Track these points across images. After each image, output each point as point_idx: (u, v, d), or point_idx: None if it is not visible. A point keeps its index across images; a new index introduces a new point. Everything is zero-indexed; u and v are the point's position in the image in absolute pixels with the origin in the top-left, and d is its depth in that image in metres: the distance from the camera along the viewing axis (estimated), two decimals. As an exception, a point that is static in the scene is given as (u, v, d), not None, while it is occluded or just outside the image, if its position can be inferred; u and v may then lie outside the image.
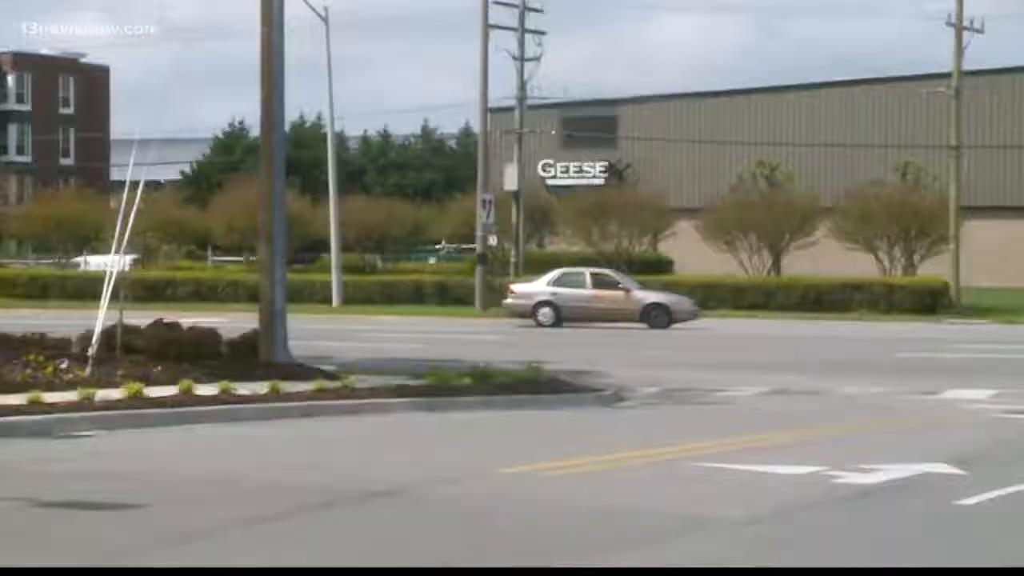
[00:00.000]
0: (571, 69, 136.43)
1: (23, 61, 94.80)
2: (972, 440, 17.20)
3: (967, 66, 55.58)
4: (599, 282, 41.55)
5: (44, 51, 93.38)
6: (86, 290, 47.59)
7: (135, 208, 22.04)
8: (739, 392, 22.98)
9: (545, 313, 40.95)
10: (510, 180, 57.45)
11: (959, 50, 54.04)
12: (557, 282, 41.62)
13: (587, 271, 43.25)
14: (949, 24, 53.90)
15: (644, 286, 42.72)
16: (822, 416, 19.89)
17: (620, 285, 41.40)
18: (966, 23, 54.00)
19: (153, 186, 61.77)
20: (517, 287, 42.66)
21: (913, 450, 16.11)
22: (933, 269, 55.19)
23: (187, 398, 18.60)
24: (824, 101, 75.87)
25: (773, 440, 17.11)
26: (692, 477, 14.02)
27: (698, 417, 19.96)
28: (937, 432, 18.30)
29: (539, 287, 41.76)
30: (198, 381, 19.56)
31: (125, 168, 24.57)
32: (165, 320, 23.59)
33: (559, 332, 39.02)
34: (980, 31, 54.58)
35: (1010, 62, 73.72)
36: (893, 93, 73.37)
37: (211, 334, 23.32)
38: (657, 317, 40.13)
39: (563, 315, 40.85)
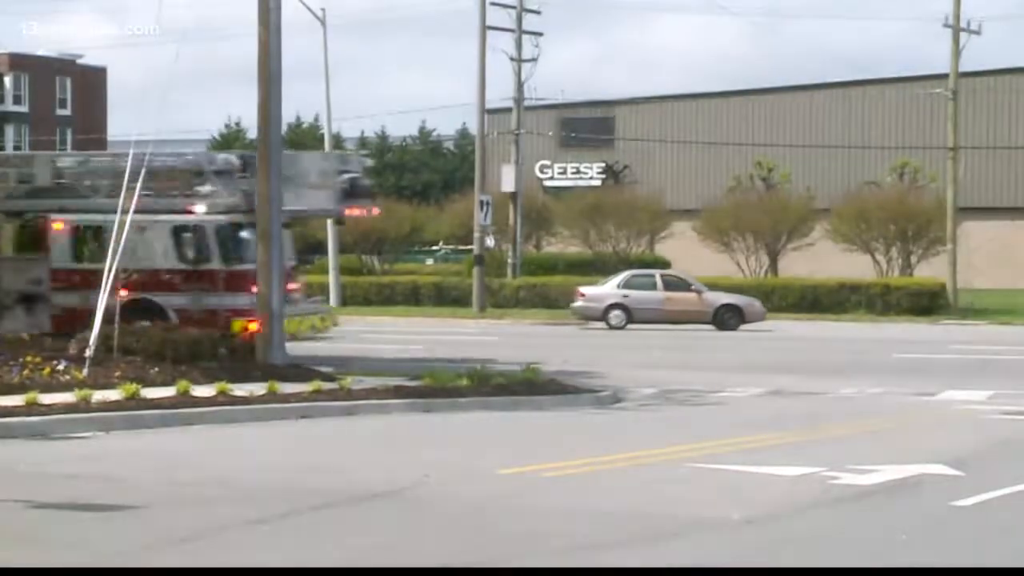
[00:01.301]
0: (569, 70, 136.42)
1: (20, 62, 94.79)
2: (969, 441, 17.22)
3: (964, 67, 55.60)
4: (670, 284, 41.60)
5: (41, 52, 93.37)
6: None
7: (132, 209, 22.06)
8: (736, 393, 23.00)
9: (617, 315, 41.03)
10: (507, 181, 57.46)
11: (956, 51, 54.07)
12: (627, 284, 41.69)
13: (656, 273, 43.41)
14: (946, 25, 53.94)
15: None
16: (819, 417, 19.91)
17: (692, 287, 41.52)
18: (963, 24, 54.05)
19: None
20: (587, 290, 42.56)
21: (910, 451, 16.12)
22: (930, 270, 55.22)
23: (184, 399, 18.61)
24: (821, 102, 75.87)
25: (770, 441, 17.12)
26: (689, 478, 14.03)
27: (695, 418, 19.98)
28: (934, 433, 18.32)
29: (609, 290, 41.79)
30: (195, 382, 19.58)
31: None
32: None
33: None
34: (977, 32, 54.62)
35: (1007, 63, 73.72)
36: (890, 94, 73.40)
37: (208, 335, 23.35)
38: (730, 319, 40.34)
39: (635, 317, 40.94)
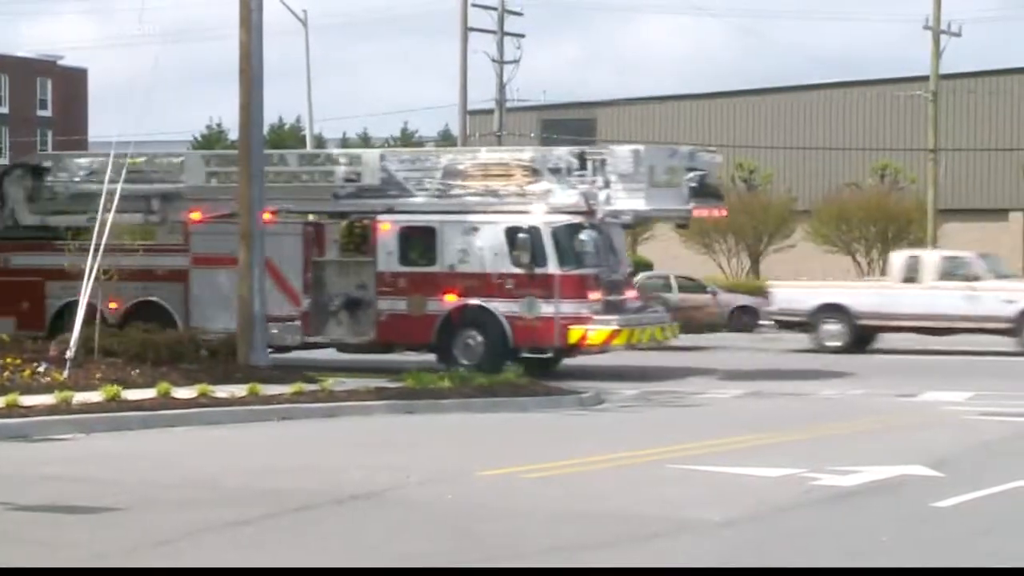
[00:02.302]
0: (551, 72, 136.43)
1: (0, 63, 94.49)
2: (949, 442, 17.26)
3: (945, 69, 55.81)
4: (684, 286, 41.54)
5: (22, 53, 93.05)
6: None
7: (112, 211, 22.01)
8: (718, 395, 23.04)
9: None
10: (489, 183, 57.40)
11: (936, 53, 54.24)
12: (642, 287, 41.71)
13: (671, 274, 43.39)
14: (927, 27, 54.11)
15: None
16: (800, 418, 19.95)
17: (707, 289, 41.57)
18: (943, 26, 54.23)
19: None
20: None
21: (890, 452, 16.16)
22: (911, 272, 55.31)
23: (165, 401, 18.58)
24: (803, 104, 76.00)
25: (751, 442, 17.15)
26: (671, 479, 14.05)
27: (677, 419, 20.01)
28: (914, 434, 18.38)
29: None
30: (176, 384, 19.55)
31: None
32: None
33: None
34: (958, 34, 54.79)
35: (987, 65, 73.96)
36: (871, 96, 73.52)
37: (190, 337, 23.31)
38: (746, 320, 40.49)
39: None
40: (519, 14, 57.43)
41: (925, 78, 56.03)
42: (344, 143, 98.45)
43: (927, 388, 24.04)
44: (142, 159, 28.21)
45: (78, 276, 25.25)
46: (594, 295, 24.20)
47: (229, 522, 11.54)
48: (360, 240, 25.50)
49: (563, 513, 12.10)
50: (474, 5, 54.69)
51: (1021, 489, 13.56)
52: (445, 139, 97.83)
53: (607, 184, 24.63)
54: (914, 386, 24.30)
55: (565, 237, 24.32)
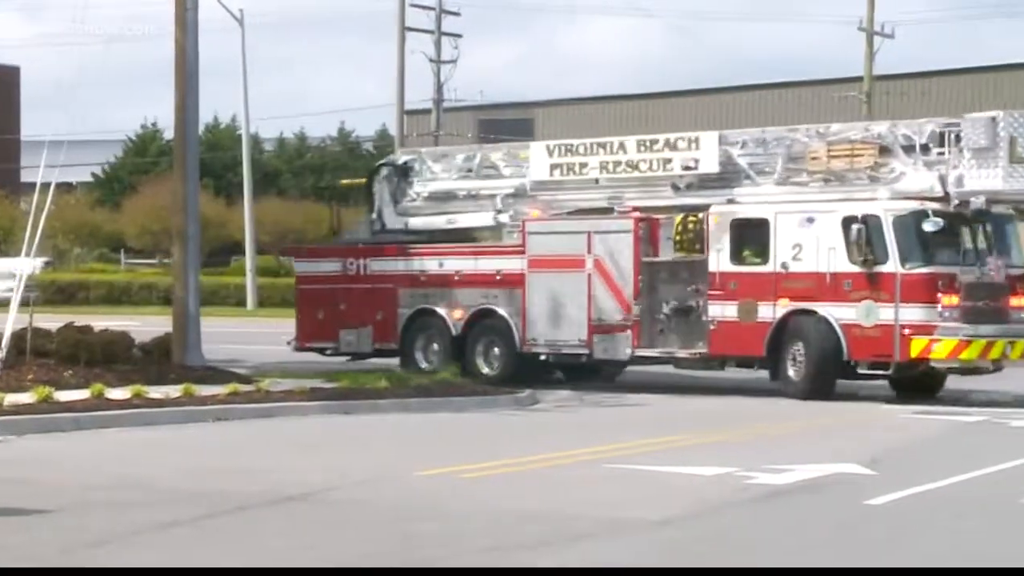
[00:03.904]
0: (489, 72, 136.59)
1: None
2: (884, 440, 17.43)
3: (878, 70, 56.36)
4: None
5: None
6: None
7: (46, 210, 21.79)
8: (654, 394, 23.10)
9: None
10: (426, 182, 57.33)
11: (870, 54, 54.79)
12: None
13: None
14: (861, 29, 54.63)
15: None
16: (736, 418, 20.06)
17: None
18: (877, 28, 54.76)
19: (64, 188, 61.09)
20: None
21: (825, 451, 16.29)
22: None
23: (99, 402, 18.41)
24: (740, 104, 76.42)
25: (687, 441, 17.24)
26: (606, 478, 14.10)
27: (613, 419, 20.07)
28: (850, 433, 18.53)
29: None
30: (110, 385, 19.38)
31: (36, 170, 24.28)
32: (76, 323, 23.35)
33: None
34: (891, 36, 55.38)
35: (919, 67, 74.66)
36: (807, 96, 74.05)
37: (123, 337, 23.12)
38: None
39: None
40: (456, 14, 57.54)
41: (859, 79, 56.57)
42: (281, 142, 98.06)
43: (865, 387, 24.21)
44: (499, 154, 26.09)
45: (428, 283, 24.45)
46: (947, 299, 20.81)
47: (163, 523, 11.46)
48: (693, 236, 22.81)
49: (501, 513, 12.10)
50: (412, 5, 54.69)
51: (951, 487, 13.72)
52: (382, 139, 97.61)
53: (960, 161, 21.16)
54: (852, 386, 24.46)
55: (911, 228, 20.91)
